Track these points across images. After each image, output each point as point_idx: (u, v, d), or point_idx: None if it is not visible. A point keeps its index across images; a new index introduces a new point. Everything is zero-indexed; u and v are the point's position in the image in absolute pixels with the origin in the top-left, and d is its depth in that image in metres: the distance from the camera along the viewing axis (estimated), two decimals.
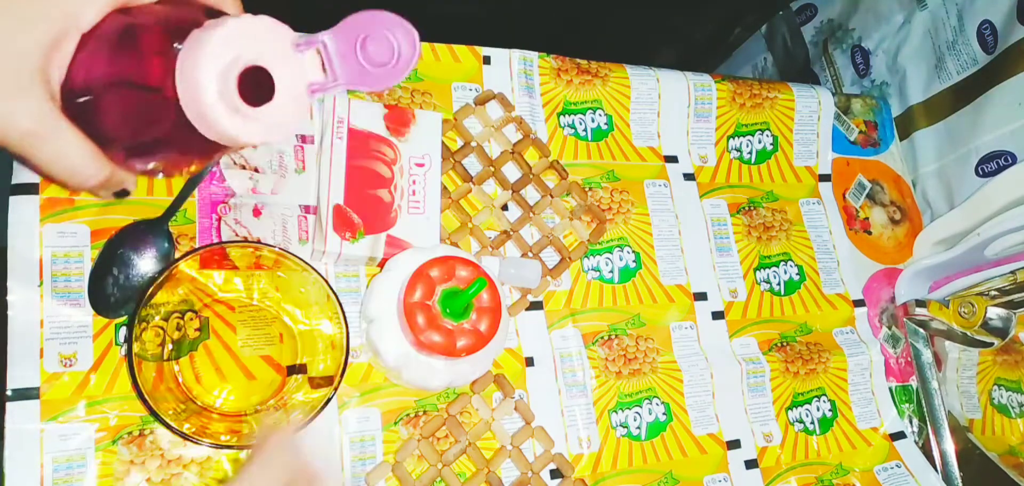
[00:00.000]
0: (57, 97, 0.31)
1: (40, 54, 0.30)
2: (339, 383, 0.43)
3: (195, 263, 0.42)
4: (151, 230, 0.45)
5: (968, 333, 0.65)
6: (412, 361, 0.46)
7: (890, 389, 0.66)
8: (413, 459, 0.49)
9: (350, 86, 0.33)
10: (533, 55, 0.61)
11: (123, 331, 0.44)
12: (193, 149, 0.33)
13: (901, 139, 0.77)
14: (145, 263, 0.45)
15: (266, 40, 0.31)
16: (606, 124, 0.63)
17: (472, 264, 0.47)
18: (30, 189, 0.44)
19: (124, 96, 0.32)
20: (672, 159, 0.64)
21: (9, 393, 0.41)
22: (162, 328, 0.43)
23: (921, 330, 0.68)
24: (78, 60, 0.31)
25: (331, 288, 0.44)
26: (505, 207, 0.57)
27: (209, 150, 0.33)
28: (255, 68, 0.31)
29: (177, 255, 0.45)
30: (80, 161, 0.32)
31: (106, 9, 0.31)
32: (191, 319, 0.44)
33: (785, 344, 0.63)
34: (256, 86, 0.31)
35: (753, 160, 0.68)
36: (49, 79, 0.30)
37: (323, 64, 0.32)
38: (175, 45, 0.30)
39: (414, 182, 0.51)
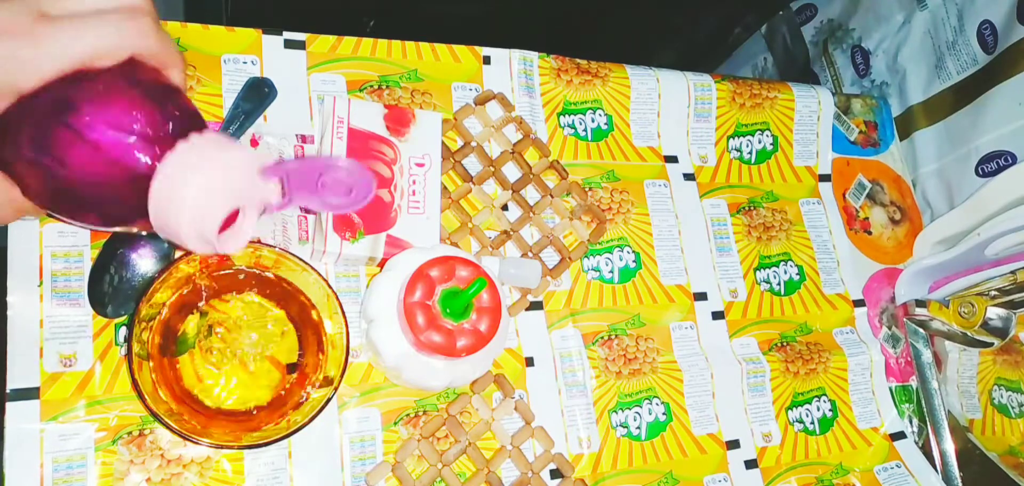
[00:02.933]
0: None
1: None
2: (339, 383, 0.43)
3: (195, 263, 0.42)
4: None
5: (968, 333, 0.65)
6: (412, 361, 0.46)
7: (890, 389, 0.66)
8: (413, 459, 0.49)
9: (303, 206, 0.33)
10: (533, 55, 0.61)
11: (123, 331, 0.44)
12: (117, 222, 0.33)
13: (901, 139, 0.77)
14: (144, 263, 0.45)
15: (237, 171, 0.31)
16: (606, 124, 0.63)
17: (472, 264, 0.47)
18: None
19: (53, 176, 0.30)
20: (672, 159, 0.64)
21: (9, 393, 0.41)
22: None
23: (921, 330, 0.68)
24: (11, 120, 0.28)
25: (331, 288, 0.44)
26: (505, 207, 0.57)
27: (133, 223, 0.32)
28: None
29: (177, 255, 0.45)
30: None
31: (52, 75, 0.28)
32: (191, 318, 0.44)
33: (785, 344, 0.63)
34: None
35: (753, 160, 0.68)
36: None
37: (283, 188, 0.34)
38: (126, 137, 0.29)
39: (414, 182, 0.51)
